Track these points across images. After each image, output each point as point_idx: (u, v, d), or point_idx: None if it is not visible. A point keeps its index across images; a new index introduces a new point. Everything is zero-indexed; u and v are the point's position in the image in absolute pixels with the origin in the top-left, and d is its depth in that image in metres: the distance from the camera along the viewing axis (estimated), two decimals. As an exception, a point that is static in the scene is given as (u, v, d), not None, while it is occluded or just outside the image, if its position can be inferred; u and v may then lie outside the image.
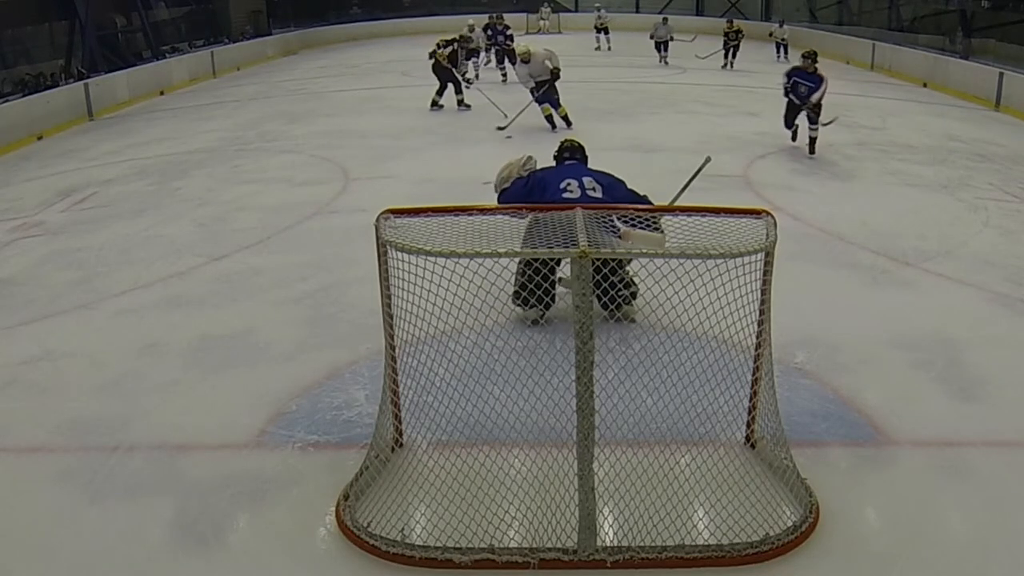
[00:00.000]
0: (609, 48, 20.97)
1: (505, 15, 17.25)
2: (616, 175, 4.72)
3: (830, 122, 9.13)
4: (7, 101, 11.66)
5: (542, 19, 26.27)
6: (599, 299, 4.34)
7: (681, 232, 2.94)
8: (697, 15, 27.72)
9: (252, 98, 14.49)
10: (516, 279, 4.37)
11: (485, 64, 16.29)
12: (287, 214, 6.97)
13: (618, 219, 3.43)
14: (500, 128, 10.41)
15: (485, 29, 16.33)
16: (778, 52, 18.52)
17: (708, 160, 5.32)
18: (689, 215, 3.02)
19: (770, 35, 18.92)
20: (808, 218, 6.60)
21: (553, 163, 4.99)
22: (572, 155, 4.98)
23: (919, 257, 5.80)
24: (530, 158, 4.83)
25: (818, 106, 8.79)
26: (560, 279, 4.51)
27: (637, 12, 27.76)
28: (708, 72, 16.30)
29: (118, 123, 12.46)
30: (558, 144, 5.15)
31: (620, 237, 3.38)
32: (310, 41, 24.11)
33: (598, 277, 4.22)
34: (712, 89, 14.20)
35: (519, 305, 4.50)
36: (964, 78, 14.17)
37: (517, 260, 4.21)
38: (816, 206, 7.00)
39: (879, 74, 17.18)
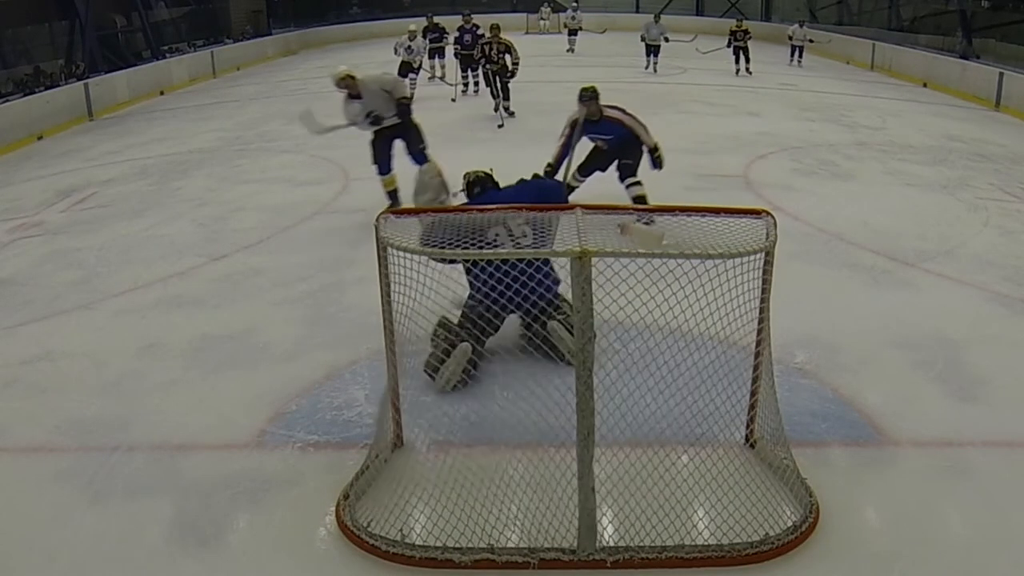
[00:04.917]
0: (569, 50, 20.11)
1: (505, 15, 16.59)
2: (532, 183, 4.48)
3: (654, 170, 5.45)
4: (7, 101, 11.65)
5: (542, 19, 26.23)
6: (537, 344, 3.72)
7: (681, 232, 2.94)
8: (697, 15, 27.71)
9: (252, 98, 14.49)
10: (433, 341, 3.81)
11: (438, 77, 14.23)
12: (287, 214, 6.97)
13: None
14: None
15: (458, 32, 14.23)
16: (792, 56, 17.80)
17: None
18: (689, 215, 3.01)
19: (789, 38, 18.17)
20: (808, 218, 6.59)
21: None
22: (483, 187, 4.44)
23: (919, 257, 5.80)
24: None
25: (631, 156, 6.22)
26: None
27: (637, 12, 27.75)
28: (708, 72, 16.29)
29: (118, 123, 12.47)
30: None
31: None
32: (310, 41, 24.11)
33: (536, 326, 3.82)
34: (712, 89, 14.19)
35: (429, 374, 3.86)
36: (964, 78, 14.18)
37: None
38: (816, 206, 6.99)
39: (879, 74, 17.19)
